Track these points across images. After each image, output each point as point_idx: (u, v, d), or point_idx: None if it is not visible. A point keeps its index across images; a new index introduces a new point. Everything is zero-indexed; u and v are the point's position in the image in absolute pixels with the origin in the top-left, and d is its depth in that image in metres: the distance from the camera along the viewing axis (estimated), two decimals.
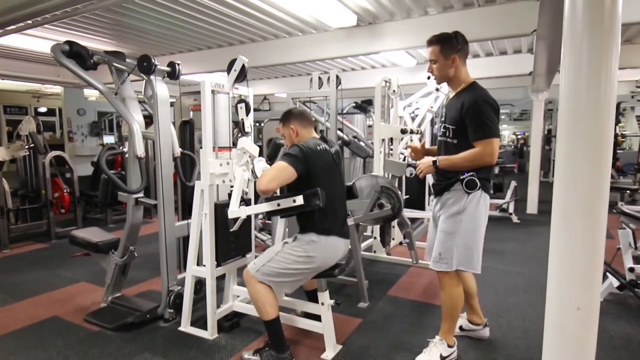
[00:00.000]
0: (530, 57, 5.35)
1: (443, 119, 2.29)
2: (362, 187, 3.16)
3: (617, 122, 9.41)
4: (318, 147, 2.23)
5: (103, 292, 3.10)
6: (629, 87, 9.27)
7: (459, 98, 2.18)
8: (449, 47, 2.16)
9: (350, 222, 3.07)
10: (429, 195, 5.35)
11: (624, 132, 11.73)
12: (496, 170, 8.29)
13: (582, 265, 1.22)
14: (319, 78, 3.35)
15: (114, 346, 2.53)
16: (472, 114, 2.08)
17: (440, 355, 2.29)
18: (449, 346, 2.33)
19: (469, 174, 2.14)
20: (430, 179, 4.93)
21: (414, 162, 4.55)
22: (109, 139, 9.32)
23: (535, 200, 6.78)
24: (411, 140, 5.55)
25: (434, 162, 2.21)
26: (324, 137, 2.41)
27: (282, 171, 2.13)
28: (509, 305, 3.10)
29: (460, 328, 2.61)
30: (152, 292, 3.31)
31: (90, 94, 10.09)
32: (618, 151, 8.71)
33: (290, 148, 2.24)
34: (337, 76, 3.20)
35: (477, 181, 2.14)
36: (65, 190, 5.38)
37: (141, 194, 2.91)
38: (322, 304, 2.39)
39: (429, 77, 2.36)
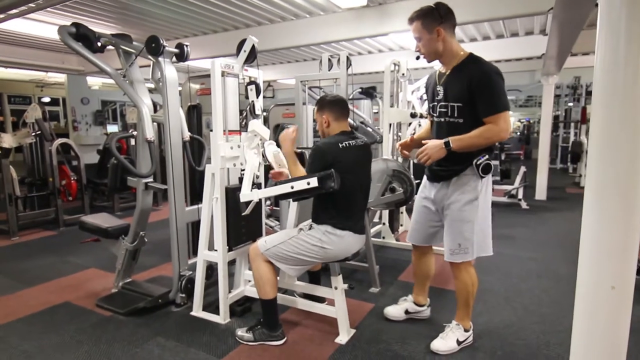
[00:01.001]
0: (542, 38, 5.24)
1: (440, 97, 2.12)
2: (374, 171, 3.10)
3: None
4: (340, 145, 2.15)
5: (114, 277, 3.08)
6: None
7: (460, 72, 2.03)
8: (430, 19, 2.01)
9: None
10: None
11: None
12: (503, 156, 8.23)
13: (618, 243, 1.17)
14: (329, 60, 3.27)
15: (127, 330, 2.52)
16: (484, 87, 1.95)
17: (457, 340, 2.27)
18: (465, 330, 2.30)
19: (484, 158, 2.03)
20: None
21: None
22: (112, 128, 9.30)
23: (544, 187, 6.72)
24: (419, 125, 5.47)
25: (446, 143, 2.01)
26: (353, 131, 2.31)
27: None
28: (523, 290, 3.07)
29: (406, 312, 2.58)
30: (163, 278, 3.30)
31: (94, 82, 10.03)
32: None
33: (311, 152, 2.18)
34: (348, 57, 3.13)
35: (491, 164, 2.04)
36: (72, 178, 5.37)
37: (151, 179, 2.88)
38: (336, 288, 2.36)
39: (417, 58, 2.18)
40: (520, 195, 6.11)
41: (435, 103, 2.17)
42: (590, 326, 1.25)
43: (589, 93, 9.68)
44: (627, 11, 1.13)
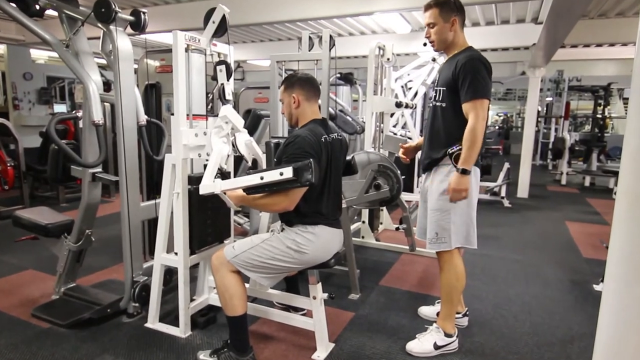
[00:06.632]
0: (533, 27, 5.23)
1: (436, 83, 2.30)
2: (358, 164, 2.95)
3: (607, 103, 9.54)
4: (322, 139, 2.00)
5: (54, 282, 2.80)
6: (619, 66, 9.37)
7: (452, 59, 2.18)
8: (448, 8, 2.15)
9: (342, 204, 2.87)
10: (419, 176, 5.23)
11: (611, 115, 11.98)
12: (483, 150, 8.28)
13: None
14: (310, 38, 3.07)
15: (68, 346, 2.27)
16: (465, 72, 2.06)
17: (435, 344, 2.24)
18: (447, 335, 2.26)
19: (457, 148, 2.13)
20: (418, 155, 4.80)
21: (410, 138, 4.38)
22: (60, 108, 8.71)
23: (527, 184, 6.78)
24: (402, 115, 5.37)
25: (462, 170, 2.09)
26: (327, 120, 2.15)
27: (298, 191, 1.90)
28: (512, 296, 3.01)
29: (438, 314, 2.51)
30: (113, 282, 3.05)
31: (38, 56, 9.34)
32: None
33: (293, 143, 1.93)
34: (331, 37, 2.93)
35: None
36: (8, 164, 4.92)
37: (99, 169, 2.61)
38: (314, 297, 2.19)
39: (425, 44, 2.33)
40: (503, 193, 6.14)
41: (433, 89, 2.33)
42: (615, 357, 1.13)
43: (571, 88, 9.89)
44: None
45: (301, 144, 1.92)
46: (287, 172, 1.81)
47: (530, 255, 3.93)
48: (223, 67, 2.35)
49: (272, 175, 1.84)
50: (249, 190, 1.94)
